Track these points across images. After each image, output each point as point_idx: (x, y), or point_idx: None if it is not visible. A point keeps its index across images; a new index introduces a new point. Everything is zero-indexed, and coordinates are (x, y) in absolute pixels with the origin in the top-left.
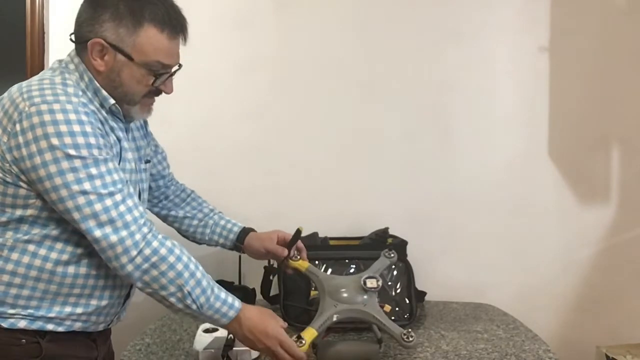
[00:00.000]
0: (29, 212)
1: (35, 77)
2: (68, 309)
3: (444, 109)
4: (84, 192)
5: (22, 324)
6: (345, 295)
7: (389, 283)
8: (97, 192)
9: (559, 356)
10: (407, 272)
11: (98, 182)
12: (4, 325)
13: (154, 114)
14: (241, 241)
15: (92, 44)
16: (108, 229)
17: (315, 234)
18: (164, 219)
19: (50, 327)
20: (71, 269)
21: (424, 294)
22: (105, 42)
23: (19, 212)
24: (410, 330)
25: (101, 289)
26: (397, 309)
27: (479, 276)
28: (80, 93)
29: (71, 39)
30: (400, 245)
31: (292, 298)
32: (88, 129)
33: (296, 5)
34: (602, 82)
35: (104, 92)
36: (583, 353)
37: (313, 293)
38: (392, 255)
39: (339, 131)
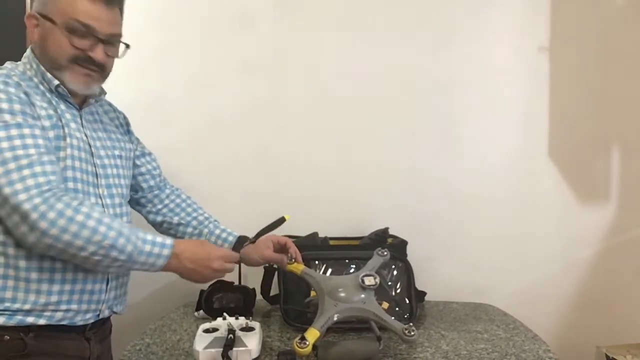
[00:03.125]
0: None
1: None
2: (42, 299)
3: (444, 108)
4: None
5: (0, 320)
6: (344, 294)
7: (389, 283)
8: (1, 154)
9: (559, 356)
10: (407, 272)
11: (5, 144)
12: None
13: (153, 114)
14: (236, 251)
15: (27, 18)
16: (7, 190)
17: (315, 234)
18: (160, 226)
19: (30, 319)
20: (23, 252)
21: (424, 294)
22: (37, 14)
23: None
24: (411, 324)
25: (72, 271)
26: (397, 309)
27: (479, 276)
28: (16, 79)
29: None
30: (400, 245)
31: (293, 298)
32: (2, 95)
33: (296, 6)
34: (602, 82)
35: (49, 75)
36: (583, 353)
37: (313, 293)
38: (385, 253)
39: (338, 131)
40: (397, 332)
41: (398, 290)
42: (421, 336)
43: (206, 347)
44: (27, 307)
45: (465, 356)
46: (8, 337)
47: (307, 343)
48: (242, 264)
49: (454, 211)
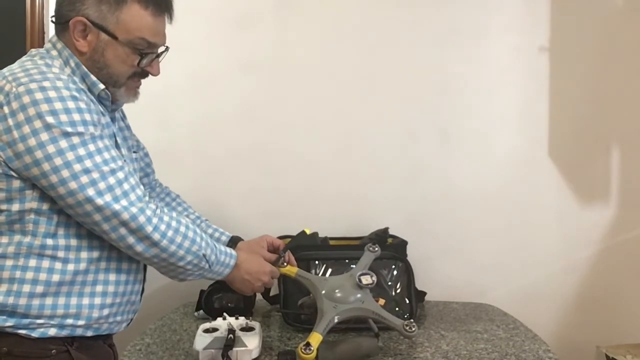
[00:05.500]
0: (27, 205)
1: (14, 64)
2: (95, 314)
3: (444, 109)
4: (87, 171)
5: (52, 331)
6: (341, 295)
7: (389, 283)
8: (100, 170)
9: (559, 356)
10: (407, 272)
11: (99, 159)
12: (34, 335)
13: (154, 114)
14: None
15: (73, 23)
16: (117, 207)
17: (315, 234)
18: None
19: (79, 331)
20: (84, 254)
21: (424, 294)
22: (87, 21)
23: (16, 207)
24: (411, 320)
25: (124, 284)
26: (397, 309)
27: (479, 276)
28: (66, 76)
29: (52, 20)
30: (400, 245)
31: (293, 298)
32: (82, 105)
33: (296, 6)
34: (602, 82)
35: (93, 77)
36: (583, 353)
37: None
38: (376, 249)
39: (339, 131)
40: (397, 328)
41: (398, 290)
42: (421, 336)
43: (206, 347)
44: (80, 322)
45: (465, 356)
46: (55, 351)
47: (312, 349)
48: None
49: (454, 211)
